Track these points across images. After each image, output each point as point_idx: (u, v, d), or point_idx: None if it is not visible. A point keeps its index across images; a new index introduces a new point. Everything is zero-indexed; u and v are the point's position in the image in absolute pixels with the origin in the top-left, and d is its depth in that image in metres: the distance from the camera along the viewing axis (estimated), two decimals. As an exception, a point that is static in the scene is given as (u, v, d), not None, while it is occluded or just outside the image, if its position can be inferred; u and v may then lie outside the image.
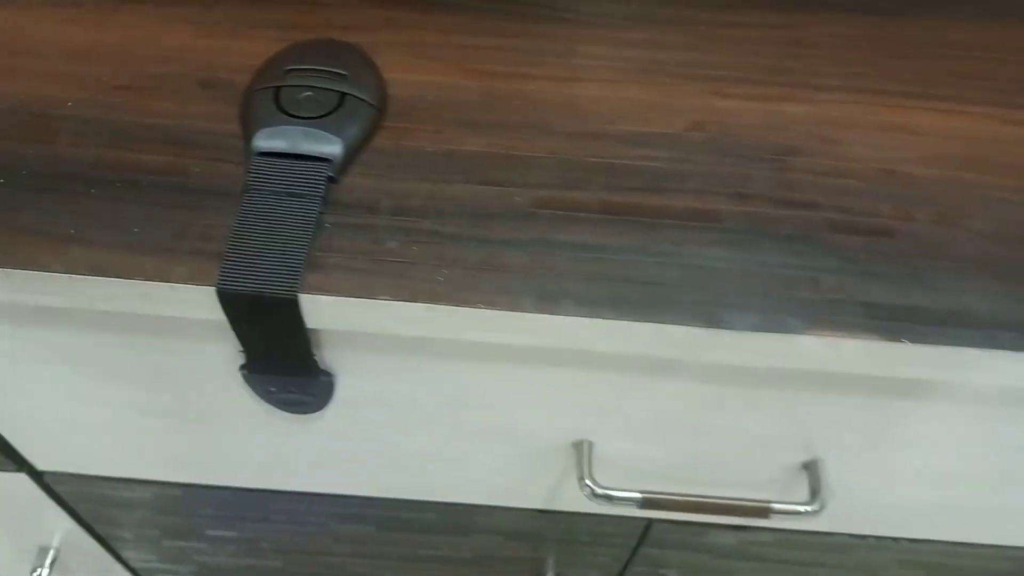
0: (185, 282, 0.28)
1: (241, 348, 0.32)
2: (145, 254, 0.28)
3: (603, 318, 0.29)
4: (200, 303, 0.28)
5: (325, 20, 0.36)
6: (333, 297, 0.28)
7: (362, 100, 0.32)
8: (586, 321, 0.29)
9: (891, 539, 0.47)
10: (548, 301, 0.29)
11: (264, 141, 0.30)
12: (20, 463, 0.44)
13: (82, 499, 0.47)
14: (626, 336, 0.29)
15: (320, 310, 0.28)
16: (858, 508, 0.44)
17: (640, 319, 0.29)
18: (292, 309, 0.28)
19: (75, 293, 0.28)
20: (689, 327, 0.29)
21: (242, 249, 0.28)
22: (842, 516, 0.45)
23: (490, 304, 0.28)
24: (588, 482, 0.37)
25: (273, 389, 0.34)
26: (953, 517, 0.45)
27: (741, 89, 0.35)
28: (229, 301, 0.28)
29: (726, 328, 0.29)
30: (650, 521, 0.47)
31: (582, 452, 0.38)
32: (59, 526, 0.50)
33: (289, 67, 0.32)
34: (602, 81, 0.35)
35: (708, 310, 0.29)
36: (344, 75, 0.32)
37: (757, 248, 0.31)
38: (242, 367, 0.33)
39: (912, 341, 0.29)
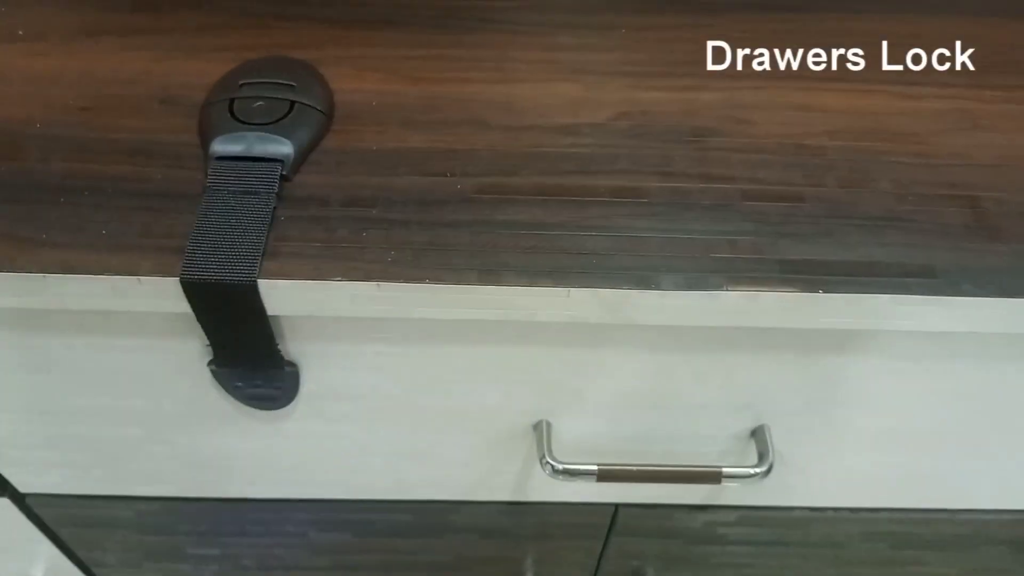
0: (151, 275, 0.30)
1: (208, 342, 0.34)
2: (113, 252, 0.31)
3: (542, 286, 0.31)
4: (166, 294, 0.31)
5: (275, 41, 0.39)
6: (290, 281, 0.30)
7: (310, 107, 0.34)
8: (526, 290, 0.31)
9: (849, 510, 0.49)
10: (490, 274, 0.31)
11: (221, 146, 0.33)
12: (3, 487, 0.45)
13: (64, 522, 0.48)
14: (564, 302, 0.31)
15: (279, 295, 0.31)
16: (811, 477, 0.46)
17: (575, 285, 0.31)
18: (252, 295, 0.30)
19: (49, 292, 0.30)
20: (621, 289, 0.31)
21: (203, 242, 0.30)
22: (796, 487, 0.47)
23: (437, 280, 0.31)
24: (549, 460, 0.39)
25: (240, 384, 0.36)
26: (905, 483, 0.47)
27: (661, 82, 0.38)
28: (193, 291, 0.30)
29: (655, 289, 0.31)
30: (616, 507, 0.48)
31: (541, 432, 0.40)
32: (42, 553, 0.51)
33: (242, 81, 0.35)
34: (533, 81, 0.38)
35: (638, 274, 0.31)
36: (293, 86, 0.35)
37: (680, 219, 0.33)
38: (210, 362, 0.35)
39: (826, 291, 0.32)
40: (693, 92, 0.38)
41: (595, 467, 0.39)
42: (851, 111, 0.38)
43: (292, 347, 0.36)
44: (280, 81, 0.35)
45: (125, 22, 0.40)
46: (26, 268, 0.30)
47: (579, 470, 0.39)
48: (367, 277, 0.31)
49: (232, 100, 0.34)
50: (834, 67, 0.40)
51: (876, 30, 0.41)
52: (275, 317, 0.33)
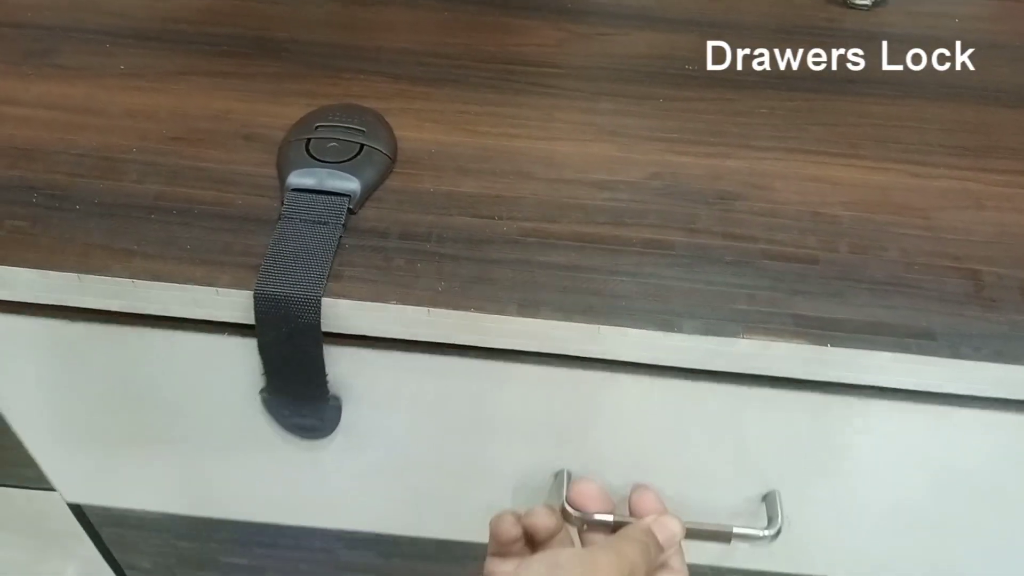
0: (228, 287, 0.34)
1: (263, 371, 0.37)
2: (195, 265, 0.34)
3: (575, 322, 0.34)
4: (239, 307, 0.34)
5: (347, 91, 0.43)
6: (350, 300, 0.34)
7: (377, 150, 0.39)
8: (560, 324, 0.34)
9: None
10: (529, 308, 0.34)
11: (296, 179, 0.37)
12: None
13: (107, 522, 0.51)
14: (594, 338, 0.35)
15: (339, 313, 0.34)
16: (815, 543, 0.48)
17: (605, 323, 0.34)
18: (315, 311, 0.34)
19: (136, 296, 0.34)
20: (646, 330, 0.34)
21: (276, 262, 0.34)
22: (802, 553, 0.48)
23: (481, 309, 0.34)
24: (568, 507, 0.41)
25: (287, 412, 0.39)
26: (908, 557, 0.48)
27: (691, 148, 0.42)
28: (263, 304, 0.34)
29: (677, 331, 0.34)
30: (627, 547, 0.50)
31: (562, 481, 0.43)
32: (79, 552, 0.54)
33: (318, 124, 0.39)
34: (575, 140, 0.42)
35: (662, 317, 0.35)
36: (363, 130, 0.39)
37: (703, 271, 0.37)
38: (262, 390, 0.39)
39: (833, 345, 0.35)
40: (719, 159, 0.42)
41: (611, 518, 0.41)
42: (863, 185, 0.41)
43: (337, 381, 0.39)
44: (352, 126, 0.39)
45: (214, 65, 0.44)
46: (119, 274, 0.34)
47: (595, 520, 0.41)
48: (419, 302, 0.34)
49: (308, 139, 0.38)
50: (848, 144, 0.43)
51: (886, 112, 0.45)
52: (328, 351, 0.36)
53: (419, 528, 0.49)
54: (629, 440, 0.42)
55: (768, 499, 0.44)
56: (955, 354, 0.34)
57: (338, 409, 0.40)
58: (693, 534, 0.42)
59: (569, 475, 0.44)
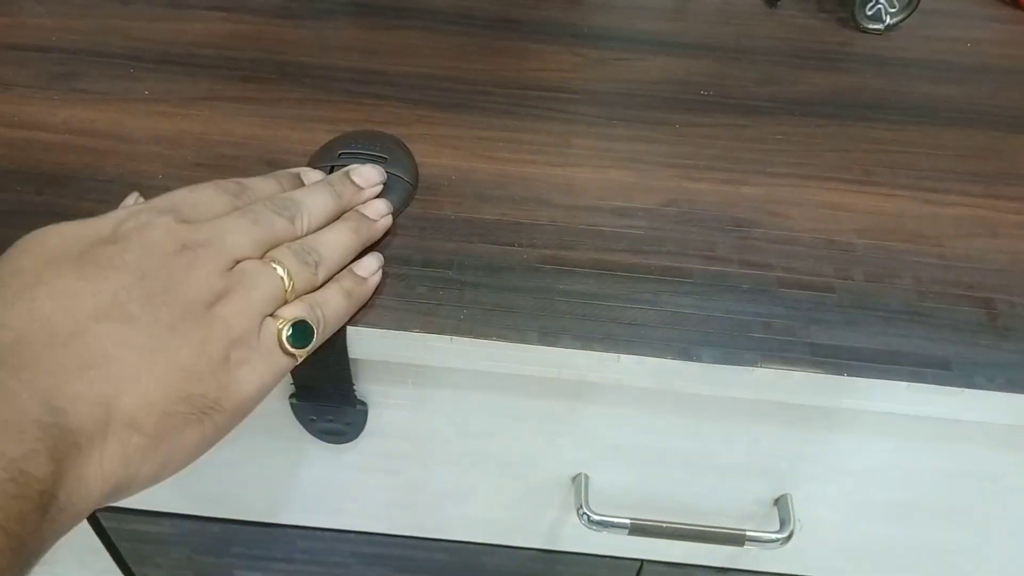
0: (255, 315, 0.34)
1: (292, 380, 0.38)
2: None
3: (594, 350, 0.35)
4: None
5: (367, 117, 0.44)
6: (374, 329, 0.34)
7: (399, 177, 0.39)
8: (580, 353, 0.35)
9: (863, 584, 0.52)
10: (549, 336, 0.35)
11: (320, 207, 0.37)
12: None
13: (125, 537, 0.51)
14: (614, 366, 0.35)
15: (364, 341, 0.35)
16: (826, 545, 0.49)
17: (624, 352, 0.35)
18: (340, 338, 0.34)
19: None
20: (664, 359, 0.35)
21: (301, 290, 0.35)
22: (813, 555, 0.49)
23: (502, 338, 0.35)
24: (586, 511, 0.42)
25: (314, 417, 0.40)
26: (918, 558, 0.49)
27: (707, 174, 0.43)
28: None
29: (695, 360, 0.35)
30: (642, 563, 0.51)
31: (580, 484, 0.44)
32: (95, 565, 0.54)
33: (341, 151, 0.40)
34: (592, 166, 0.43)
35: (680, 346, 0.35)
36: (385, 157, 0.40)
37: (721, 299, 0.37)
38: (291, 396, 0.39)
39: (849, 375, 0.35)
40: (734, 185, 0.42)
41: (627, 521, 0.42)
42: (877, 212, 0.42)
43: (364, 388, 0.40)
44: (374, 153, 0.40)
45: (236, 91, 0.45)
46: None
47: (613, 522, 0.42)
48: (441, 331, 0.35)
49: (332, 167, 0.39)
50: (862, 171, 0.44)
51: (899, 138, 0.46)
52: (354, 360, 0.37)
53: (437, 530, 0.50)
54: (644, 443, 0.43)
55: (780, 502, 0.45)
56: (969, 384, 0.35)
57: (364, 414, 0.41)
58: (707, 537, 0.43)
59: (587, 479, 0.44)
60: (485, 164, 0.42)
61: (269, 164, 0.41)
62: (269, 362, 0.30)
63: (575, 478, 0.44)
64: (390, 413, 0.41)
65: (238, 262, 0.30)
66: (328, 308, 0.32)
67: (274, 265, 0.31)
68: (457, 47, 0.49)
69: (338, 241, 0.34)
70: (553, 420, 0.41)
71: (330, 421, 0.40)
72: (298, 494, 0.48)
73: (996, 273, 0.39)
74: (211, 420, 0.28)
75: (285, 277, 0.31)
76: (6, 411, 0.24)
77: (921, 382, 0.35)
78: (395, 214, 0.38)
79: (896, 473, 0.43)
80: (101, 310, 0.27)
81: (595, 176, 0.42)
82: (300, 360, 0.31)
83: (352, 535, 0.50)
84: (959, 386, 0.35)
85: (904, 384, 0.35)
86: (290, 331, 0.30)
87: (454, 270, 0.37)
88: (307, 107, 0.44)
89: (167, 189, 0.39)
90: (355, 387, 0.39)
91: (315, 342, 0.32)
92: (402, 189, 0.39)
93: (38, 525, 0.23)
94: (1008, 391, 0.35)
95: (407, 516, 0.48)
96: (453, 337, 0.35)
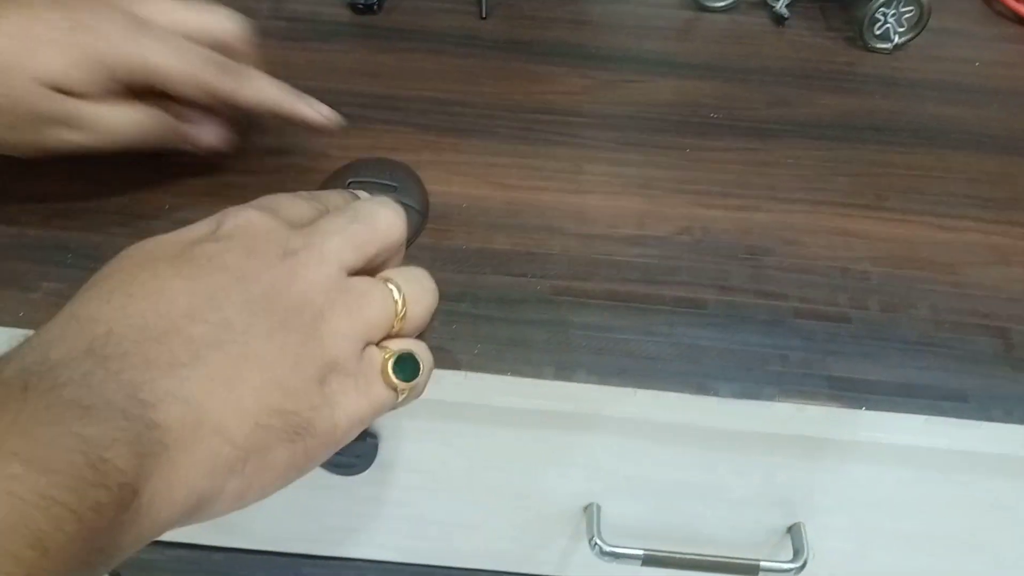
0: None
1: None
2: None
3: (610, 385, 0.34)
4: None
5: (376, 143, 0.43)
6: (388, 365, 0.34)
7: (410, 207, 0.39)
8: (596, 388, 0.34)
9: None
10: (564, 370, 0.35)
11: (331, 239, 0.37)
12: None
13: (126, 564, 0.51)
14: (630, 400, 0.35)
15: (376, 377, 0.34)
16: (841, 575, 0.48)
17: (641, 387, 0.34)
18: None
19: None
20: (681, 394, 0.34)
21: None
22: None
23: (517, 373, 0.34)
24: (598, 541, 0.42)
25: (324, 451, 0.39)
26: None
27: (719, 200, 0.42)
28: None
29: (712, 395, 0.35)
30: (651, 590, 0.51)
31: (592, 514, 0.43)
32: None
33: (350, 180, 0.39)
34: (604, 193, 0.42)
35: (697, 380, 0.35)
36: (395, 187, 0.39)
37: (736, 330, 0.37)
38: (300, 429, 0.39)
39: (868, 408, 0.35)
40: (747, 212, 0.42)
41: (641, 551, 0.41)
42: (890, 239, 0.41)
43: (375, 421, 0.39)
44: (384, 181, 0.39)
45: (242, 116, 0.44)
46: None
47: (626, 553, 0.41)
48: (455, 366, 0.34)
49: (341, 198, 0.38)
50: (874, 196, 0.44)
51: (909, 162, 0.46)
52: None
53: (447, 558, 0.49)
54: (657, 473, 0.42)
55: (794, 531, 0.45)
56: (987, 417, 0.35)
57: (375, 447, 0.40)
58: (720, 567, 0.43)
59: (599, 509, 0.44)
60: (496, 191, 0.42)
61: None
62: (368, 393, 0.28)
63: (587, 508, 0.44)
64: (402, 445, 0.41)
65: (347, 273, 0.29)
66: (429, 356, 0.30)
67: (390, 286, 0.29)
68: (464, 70, 0.48)
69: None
70: (565, 451, 0.41)
71: (340, 454, 0.40)
72: (305, 523, 0.47)
73: (1011, 302, 0.39)
74: (303, 443, 0.26)
75: (400, 301, 0.29)
76: (89, 396, 0.22)
77: (939, 415, 0.35)
78: (406, 244, 0.38)
79: (910, 503, 0.42)
80: (196, 310, 0.25)
81: (607, 203, 0.42)
82: (400, 399, 0.29)
83: (360, 563, 0.50)
84: (977, 419, 0.35)
85: (922, 418, 0.35)
86: (395, 360, 0.29)
87: (467, 303, 0.36)
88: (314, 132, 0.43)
89: (173, 218, 0.39)
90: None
91: (420, 380, 0.30)
92: (413, 219, 0.38)
93: (115, 520, 0.22)
94: (1026, 424, 0.35)
95: (417, 545, 0.48)
96: (468, 373, 0.34)
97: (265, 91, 0.37)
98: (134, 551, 0.24)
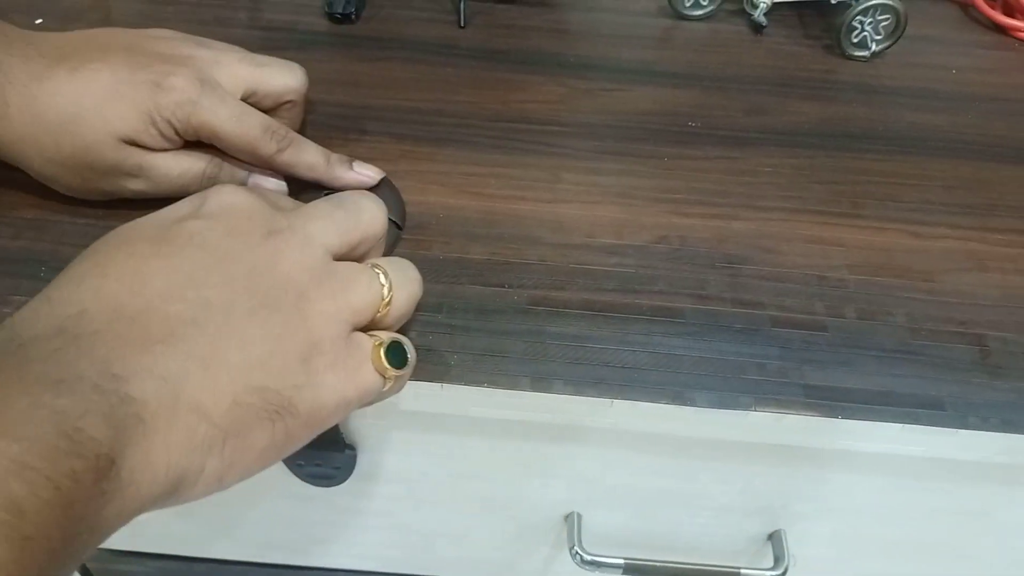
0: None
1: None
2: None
3: (587, 396, 0.34)
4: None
5: (352, 152, 0.43)
6: (363, 378, 0.34)
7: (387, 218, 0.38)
8: (573, 399, 0.34)
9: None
10: (541, 381, 0.34)
11: (306, 250, 0.37)
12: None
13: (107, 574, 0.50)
14: (607, 411, 0.35)
15: (351, 389, 0.34)
16: (821, 581, 0.48)
17: (618, 397, 0.34)
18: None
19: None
20: (659, 403, 0.34)
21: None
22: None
23: (493, 384, 0.34)
24: (578, 550, 0.42)
25: (302, 462, 0.39)
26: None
27: (697, 209, 0.42)
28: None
29: (689, 404, 0.34)
30: (633, 598, 0.50)
31: (572, 523, 0.43)
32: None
33: (327, 190, 0.39)
34: (581, 202, 0.42)
35: (674, 390, 0.35)
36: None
37: (713, 339, 0.37)
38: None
39: (844, 417, 0.35)
40: (724, 220, 0.42)
41: (622, 560, 0.41)
42: (867, 246, 0.42)
43: (353, 432, 0.39)
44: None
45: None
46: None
47: (606, 562, 0.41)
48: (432, 378, 0.34)
49: (317, 208, 0.38)
50: (850, 204, 0.44)
51: (886, 169, 0.46)
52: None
53: (428, 567, 0.49)
54: (637, 481, 0.42)
55: (774, 538, 0.45)
56: (963, 424, 0.35)
57: (353, 458, 0.40)
58: (701, 575, 0.43)
59: (579, 518, 0.44)
60: (473, 201, 0.42)
61: (252, 204, 0.40)
62: (355, 376, 0.28)
63: (568, 517, 0.44)
64: (382, 457, 0.41)
65: (332, 257, 0.29)
66: (413, 350, 0.31)
67: (377, 271, 0.30)
68: (442, 79, 0.48)
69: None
70: (545, 461, 0.41)
71: (318, 466, 0.40)
72: (287, 533, 0.47)
73: (987, 308, 0.39)
74: (283, 423, 0.26)
75: (387, 286, 0.30)
76: (59, 371, 0.22)
77: (915, 423, 0.35)
78: (384, 255, 0.38)
79: (889, 509, 0.43)
80: (173, 289, 0.25)
81: (585, 212, 0.42)
82: (387, 387, 0.29)
83: (342, 573, 0.50)
84: (954, 427, 0.35)
85: (899, 426, 0.35)
86: (387, 347, 0.29)
87: (443, 313, 0.36)
88: (291, 143, 0.43)
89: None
90: (342, 432, 0.38)
91: (407, 371, 0.30)
92: (390, 231, 0.38)
93: (94, 490, 0.22)
94: (1002, 431, 0.35)
95: (399, 555, 0.48)
96: (444, 385, 0.34)
97: (314, 165, 0.38)
98: (120, 526, 0.24)
